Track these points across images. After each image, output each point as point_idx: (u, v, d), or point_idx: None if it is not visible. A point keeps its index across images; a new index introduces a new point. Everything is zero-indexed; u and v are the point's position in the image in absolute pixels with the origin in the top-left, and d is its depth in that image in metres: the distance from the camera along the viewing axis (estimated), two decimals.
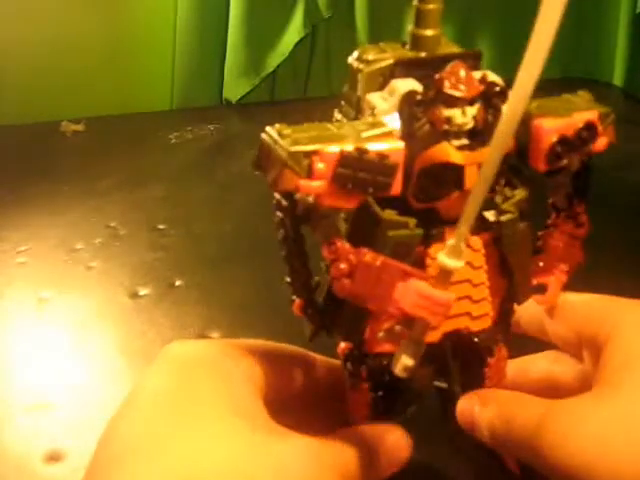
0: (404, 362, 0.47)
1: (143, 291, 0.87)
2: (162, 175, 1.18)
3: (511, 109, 0.38)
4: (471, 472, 0.59)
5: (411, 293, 0.44)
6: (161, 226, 1.02)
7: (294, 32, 1.43)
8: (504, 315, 0.54)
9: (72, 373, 0.74)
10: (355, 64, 0.46)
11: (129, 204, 1.08)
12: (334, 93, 1.46)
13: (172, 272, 0.90)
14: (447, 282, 0.44)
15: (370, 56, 0.46)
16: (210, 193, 1.12)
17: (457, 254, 0.43)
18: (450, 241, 0.43)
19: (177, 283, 0.88)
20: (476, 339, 0.53)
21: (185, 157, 1.24)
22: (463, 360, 0.56)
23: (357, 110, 0.46)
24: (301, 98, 1.49)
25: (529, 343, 0.58)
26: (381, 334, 0.47)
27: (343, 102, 0.49)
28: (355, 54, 0.47)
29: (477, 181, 0.41)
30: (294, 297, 0.50)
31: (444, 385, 0.56)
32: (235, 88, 1.45)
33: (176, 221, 1.03)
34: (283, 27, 1.43)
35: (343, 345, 0.54)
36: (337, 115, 0.49)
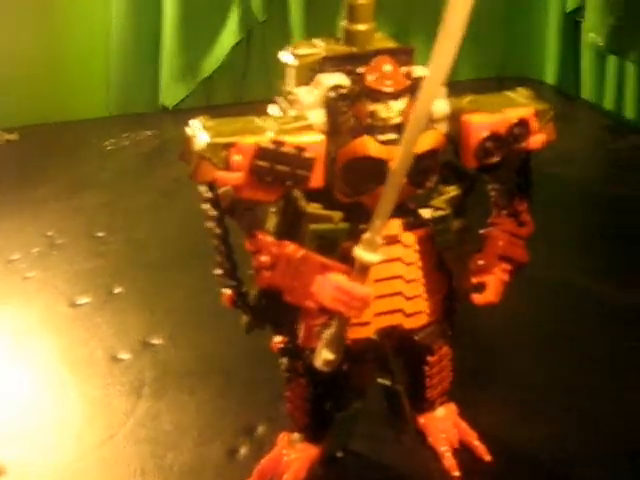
0: (324, 356, 0.48)
1: (83, 300, 0.86)
2: (99, 182, 1.16)
3: (421, 102, 0.39)
4: (414, 469, 0.60)
5: (329, 286, 0.45)
6: (100, 233, 1.00)
7: (229, 37, 1.43)
8: (446, 313, 0.55)
9: (13, 384, 0.73)
10: (286, 59, 0.47)
11: (66, 212, 1.07)
12: (272, 96, 1.45)
13: (112, 279, 0.89)
14: (365, 276, 0.45)
15: (301, 51, 0.46)
16: (149, 199, 1.10)
17: (373, 248, 0.44)
18: (366, 235, 0.43)
19: (117, 290, 0.87)
20: (416, 337, 0.53)
21: (122, 164, 1.23)
22: (405, 358, 0.56)
23: (289, 104, 0.47)
24: (239, 102, 1.48)
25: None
26: (318, 328, 0.48)
27: (278, 97, 0.49)
28: (287, 49, 0.47)
29: (389, 175, 0.42)
30: (224, 289, 0.50)
31: (387, 383, 0.57)
32: (171, 94, 1.44)
33: (115, 228, 1.02)
34: (218, 32, 1.43)
35: (278, 339, 0.54)
36: (271, 110, 0.49)
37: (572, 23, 1.43)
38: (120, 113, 1.45)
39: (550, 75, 1.49)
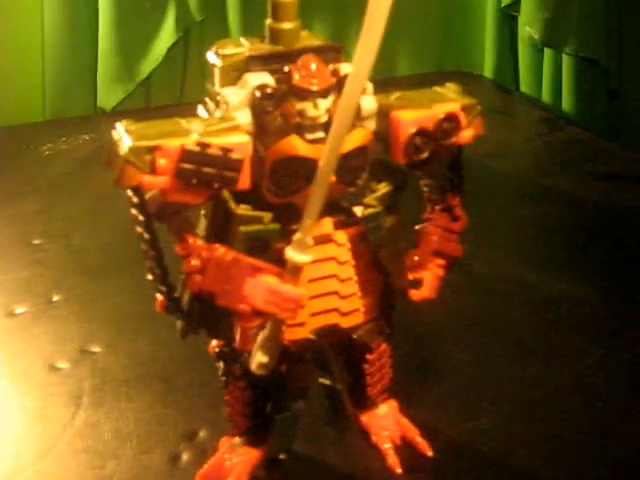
0: (259, 359, 0.47)
1: (20, 309, 0.84)
2: (36, 188, 1.14)
3: (345, 99, 0.38)
4: (358, 468, 0.60)
5: (260, 289, 0.44)
6: (37, 241, 0.98)
7: (166, 37, 1.41)
8: (383, 311, 0.54)
9: None
10: (212, 59, 0.46)
11: (2, 221, 1.04)
12: None
13: (50, 287, 0.87)
14: (297, 277, 0.44)
15: (226, 51, 0.45)
16: (88, 204, 1.08)
17: (304, 248, 0.43)
18: (296, 235, 0.43)
19: (55, 298, 0.85)
20: (354, 336, 0.53)
21: (60, 169, 1.20)
22: (344, 357, 0.56)
23: (216, 105, 0.46)
24: (178, 103, 1.47)
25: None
26: (254, 331, 0.47)
27: (207, 98, 0.48)
28: (212, 49, 0.46)
29: (317, 174, 0.41)
30: (157, 295, 0.49)
31: (328, 382, 0.56)
32: (109, 96, 1.42)
33: (53, 235, 1.00)
34: (155, 32, 1.41)
35: (214, 343, 0.54)
36: (200, 111, 0.48)
37: (509, 17, 1.45)
38: (57, 117, 1.43)
39: (488, 69, 1.51)
